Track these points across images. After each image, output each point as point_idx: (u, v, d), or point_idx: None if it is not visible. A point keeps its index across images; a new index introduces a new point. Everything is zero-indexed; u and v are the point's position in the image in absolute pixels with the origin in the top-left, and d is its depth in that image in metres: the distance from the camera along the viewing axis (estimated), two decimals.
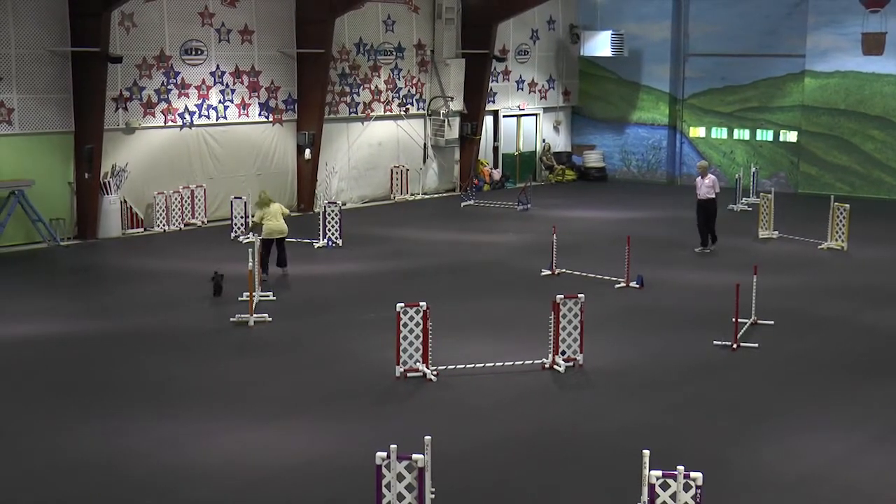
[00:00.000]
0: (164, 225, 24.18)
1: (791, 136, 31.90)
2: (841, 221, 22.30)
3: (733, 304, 15.15)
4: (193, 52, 24.93)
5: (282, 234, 19.02)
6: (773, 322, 16.17)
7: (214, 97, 25.43)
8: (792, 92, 31.68)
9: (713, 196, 21.82)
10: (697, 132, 33.68)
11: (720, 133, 33.25)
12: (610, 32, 32.73)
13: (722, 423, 12.02)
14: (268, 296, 17.44)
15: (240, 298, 17.09)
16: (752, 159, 32.03)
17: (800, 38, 31.13)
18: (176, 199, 24.46)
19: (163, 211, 24.21)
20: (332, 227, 22.48)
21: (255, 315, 16.09)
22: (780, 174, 32.14)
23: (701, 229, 22.08)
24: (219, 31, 25.32)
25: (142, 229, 24.03)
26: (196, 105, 25.09)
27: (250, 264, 16.08)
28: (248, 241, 21.57)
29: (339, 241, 22.39)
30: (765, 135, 32.40)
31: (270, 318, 16.19)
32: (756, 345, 15.03)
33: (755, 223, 24.17)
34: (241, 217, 23.27)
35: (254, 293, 16.40)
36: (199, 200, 24.94)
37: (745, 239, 23.55)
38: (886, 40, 26.81)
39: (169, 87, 24.54)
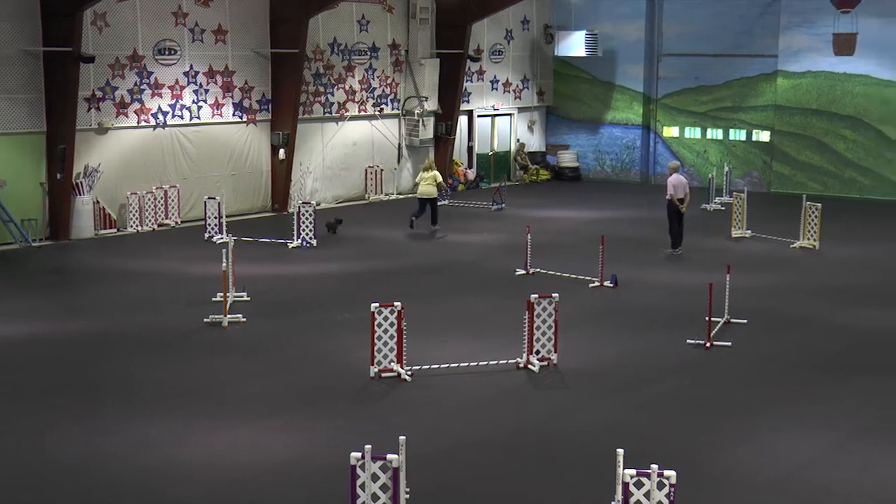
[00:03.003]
0: (137, 225, 24.06)
1: (764, 136, 32.11)
2: (813, 220, 22.46)
3: (707, 304, 15.24)
4: (167, 52, 24.83)
5: (429, 197, 24.01)
6: (746, 321, 16.27)
7: (188, 97, 25.33)
8: (765, 92, 31.89)
9: (668, 197, 21.78)
10: (671, 132, 33.84)
11: (694, 133, 33.42)
12: (584, 32, 32.83)
13: (696, 421, 12.09)
14: (242, 296, 17.40)
15: (213, 299, 17.06)
16: (725, 159, 32.21)
17: (772, 39, 31.34)
18: (149, 199, 24.35)
19: (136, 211, 24.09)
20: (307, 227, 22.45)
21: (229, 315, 16.05)
22: (754, 174, 32.34)
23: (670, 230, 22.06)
24: (192, 30, 25.23)
25: (115, 230, 23.91)
26: (169, 105, 24.98)
27: (224, 265, 16.03)
28: (221, 241, 21.51)
29: (314, 242, 22.36)
30: (738, 134, 32.60)
31: (245, 319, 16.15)
32: (729, 344, 15.12)
33: (728, 222, 24.31)
34: (215, 217, 23.18)
35: (228, 293, 16.36)
36: (173, 201, 24.85)
37: (719, 238, 23.67)
38: (857, 41, 27.03)
39: (142, 87, 24.43)
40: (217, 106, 25.94)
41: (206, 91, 25.66)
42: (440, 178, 24.55)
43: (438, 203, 24.93)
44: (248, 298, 17.40)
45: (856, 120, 30.38)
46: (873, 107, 30.08)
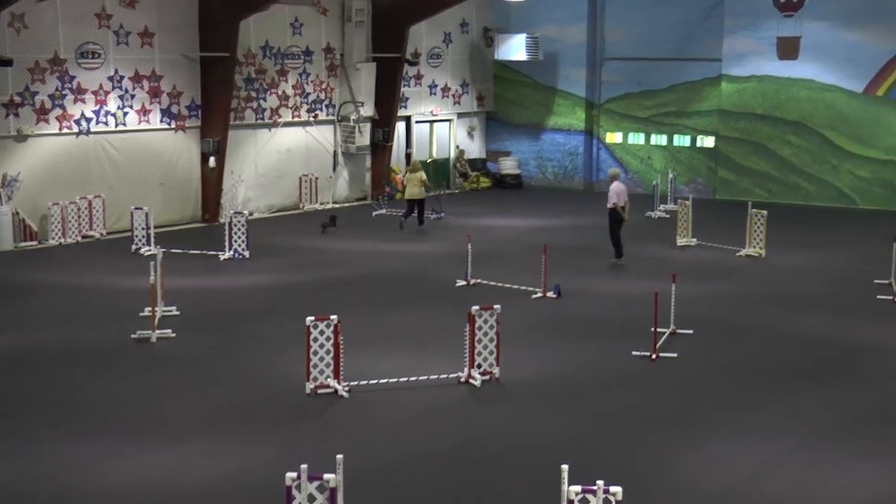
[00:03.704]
0: (60, 237, 23.75)
1: (708, 142, 32.51)
2: (759, 228, 22.78)
3: (652, 314, 15.38)
4: (90, 56, 24.56)
5: (414, 198, 25.74)
6: (692, 331, 16.46)
7: (113, 103, 25.08)
8: (709, 96, 32.30)
9: (611, 206, 21.98)
10: (614, 138, 34.15)
11: (637, 138, 33.75)
12: (525, 35, 33.03)
13: (642, 435, 12.19)
14: (171, 310, 17.24)
15: (141, 314, 16.89)
16: (669, 165, 32.56)
17: (716, 42, 31.76)
18: (73, 210, 24.04)
19: (58, 223, 23.77)
20: (239, 238, 22.31)
21: (158, 331, 15.91)
22: (699, 180, 32.73)
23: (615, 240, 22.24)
24: (117, 33, 24.98)
25: (36, 242, 23.57)
26: (93, 111, 24.71)
27: (152, 278, 15.88)
28: (149, 253, 21.30)
29: (246, 253, 22.23)
30: (682, 140, 32.98)
31: (174, 334, 16.01)
32: (675, 355, 15.27)
33: (673, 230, 24.57)
34: (143, 228, 22.95)
35: (156, 308, 16.21)
36: (98, 211, 24.56)
37: (664, 247, 23.92)
38: (801, 44, 27.48)
39: (64, 92, 24.14)
40: (144, 112, 25.69)
41: (133, 96, 25.42)
42: (425, 178, 26.16)
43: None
44: (178, 313, 17.25)
45: (801, 125, 30.87)
46: (818, 112, 30.59)
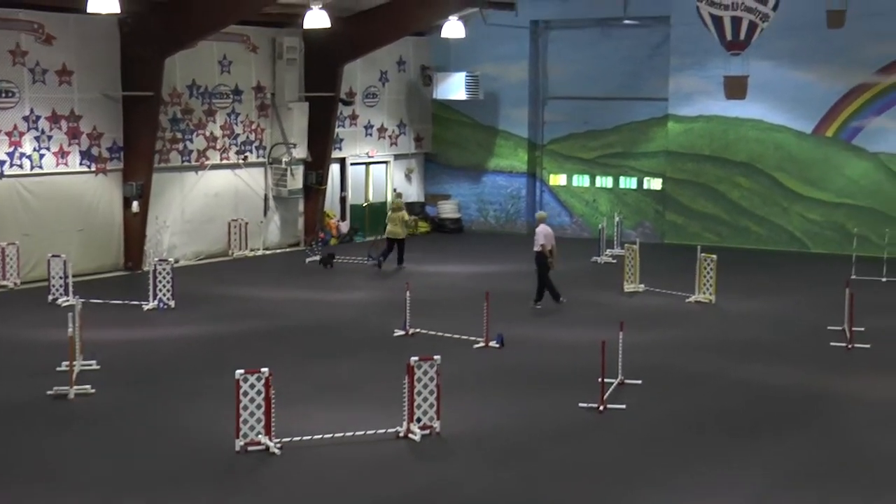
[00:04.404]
0: None
1: (655, 184, 32.92)
2: (709, 273, 23.07)
3: (599, 363, 15.49)
4: (3, 94, 24.36)
5: (396, 237, 26.96)
6: (640, 381, 16.58)
7: (28, 144, 24.86)
8: (656, 137, 32.75)
9: (538, 248, 22.32)
10: (558, 180, 34.46)
11: (582, 181, 34.10)
12: (464, 74, 33.30)
13: (589, 491, 12.23)
14: (91, 365, 17.05)
15: (58, 368, 16.67)
16: (615, 208, 32.89)
17: (662, 81, 32.25)
18: None
19: None
20: (164, 287, 22.15)
21: (76, 387, 15.71)
22: (646, 223, 33.10)
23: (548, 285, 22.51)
24: (33, 70, 24.82)
25: None
26: (7, 153, 24.48)
27: (70, 330, 15.71)
28: (67, 303, 21.07)
29: (172, 303, 22.07)
30: (629, 182, 33.36)
31: (94, 390, 15.82)
32: (624, 406, 15.37)
33: (620, 276, 24.79)
34: (61, 277, 22.71)
35: (74, 362, 16.02)
36: (12, 259, 24.26)
37: (611, 293, 24.11)
38: (749, 83, 27.98)
39: None
40: (62, 154, 25.50)
41: (50, 137, 25.23)
42: (408, 218, 27.86)
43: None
44: (98, 367, 17.06)
45: (750, 166, 31.37)
46: (767, 152, 31.14)
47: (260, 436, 13.27)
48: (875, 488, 12.38)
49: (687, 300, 23.23)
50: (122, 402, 15.49)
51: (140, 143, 26.42)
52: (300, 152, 30.33)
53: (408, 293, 19.98)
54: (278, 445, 13.30)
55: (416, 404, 13.83)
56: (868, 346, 19.08)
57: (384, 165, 34.33)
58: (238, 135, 29.52)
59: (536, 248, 22.40)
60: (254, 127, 29.92)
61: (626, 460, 13.28)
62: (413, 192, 35.09)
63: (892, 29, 29.12)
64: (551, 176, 34.51)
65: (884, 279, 25.67)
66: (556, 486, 12.40)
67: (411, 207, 34.58)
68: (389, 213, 27.70)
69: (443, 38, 31.92)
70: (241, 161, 29.64)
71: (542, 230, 22.43)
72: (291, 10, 28.07)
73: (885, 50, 29.31)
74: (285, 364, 16.74)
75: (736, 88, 28.07)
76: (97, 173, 26.26)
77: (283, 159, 30.08)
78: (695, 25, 28.25)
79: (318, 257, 28.51)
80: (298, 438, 13.64)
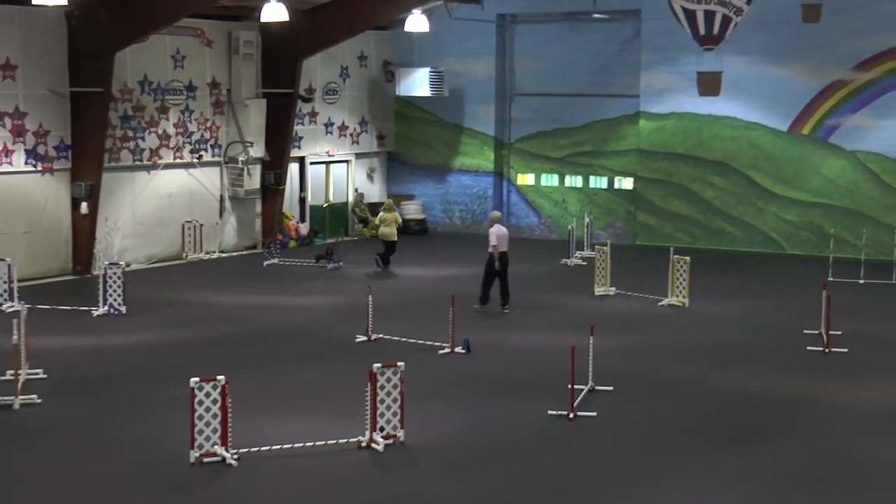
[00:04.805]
0: None
1: (627, 183, 33.01)
2: (682, 276, 23.14)
3: (569, 369, 15.48)
4: None
5: (388, 239, 27.52)
6: (612, 388, 16.60)
7: None
8: (627, 135, 32.84)
9: (491, 249, 22.44)
10: (526, 179, 34.51)
11: (551, 180, 34.15)
12: (428, 70, 33.29)
13: (558, 501, 12.21)
14: (37, 374, 16.90)
15: (2, 378, 16.51)
16: (585, 208, 32.95)
17: (634, 77, 32.36)
18: None
19: None
20: (115, 291, 22.00)
21: (21, 397, 15.56)
22: (617, 224, 33.18)
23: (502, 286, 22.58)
24: None
25: None
26: None
27: (15, 337, 15.55)
28: (12, 309, 20.88)
29: (123, 309, 21.93)
30: (599, 182, 33.44)
31: (40, 400, 15.68)
32: (594, 413, 15.38)
33: (591, 279, 24.83)
34: (5, 282, 22.49)
35: (20, 371, 15.87)
36: None
37: (581, 296, 24.15)
38: (723, 80, 28.09)
39: None
40: (6, 153, 25.29)
41: None
42: (400, 220, 28.19)
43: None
44: (45, 376, 16.92)
45: (724, 165, 31.51)
46: (742, 151, 31.30)
47: (216, 447, 13.19)
48: (854, 492, 12.46)
49: (659, 303, 23.30)
50: (70, 413, 15.36)
51: (89, 142, 26.24)
52: (257, 151, 30.22)
53: (370, 297, 19.92)
54: (235, 457, 13.22)
55: (378, 413, 13.79)
56: (846, 349, 19.20)
57: (345, 165, 34.26)
58: (192, 133, 29.37)
59: (490, 249, 22.48)
60: (209, 125, 29.78)
61: (596, 469, 13.29)
62: (375, 193, 35.03)
63: (869, 24, 29.36)
64: (519, 175, 34.55)
65: (861, 281, 25.84)
66: (525, 496, 12.38)
67: (374, 208, 34.55)
68: (382, 213, 27.97)
69: (406, 32, 31.87)
70: (195, 160, 29.49)
71: (496, 230, 22.56)
72: (248, 3, 28.01)
73: (863, 45, 29.54)
74: (242, 372, 16.66)
75: (709, 85, 28.16)
76: (44, 173, 26.05)
77: (240, 158, 29.95)
78: (667, 20, 28.32)
79: (276, 260, 28.38)
80: (256, 449, 13.56)
